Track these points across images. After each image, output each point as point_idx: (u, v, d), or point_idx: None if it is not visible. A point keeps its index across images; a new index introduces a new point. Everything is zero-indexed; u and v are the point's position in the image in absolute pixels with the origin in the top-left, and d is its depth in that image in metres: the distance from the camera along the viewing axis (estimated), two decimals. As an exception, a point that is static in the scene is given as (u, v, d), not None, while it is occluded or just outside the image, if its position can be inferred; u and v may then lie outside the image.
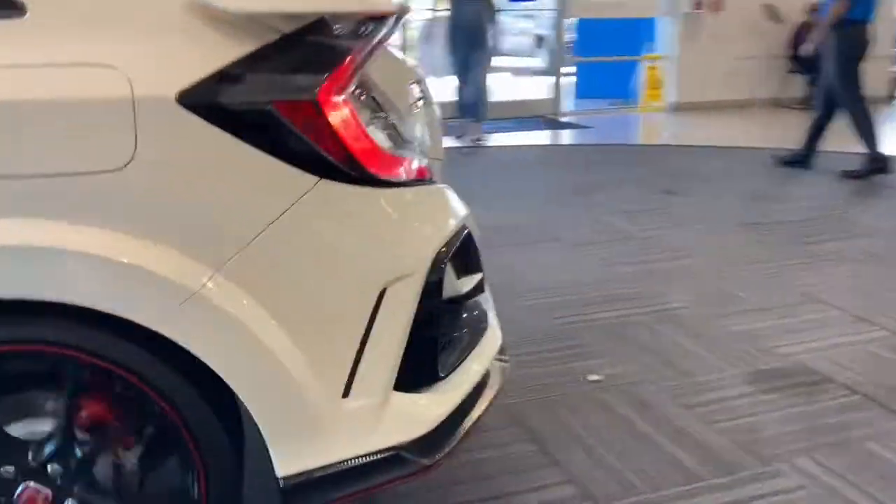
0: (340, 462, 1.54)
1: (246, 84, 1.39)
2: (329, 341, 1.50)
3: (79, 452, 1.47)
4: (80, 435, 1.47)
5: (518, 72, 12.17)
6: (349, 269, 1.50)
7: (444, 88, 7.34)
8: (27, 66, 1.31)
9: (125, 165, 1.32)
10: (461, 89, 7.29)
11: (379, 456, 1.56)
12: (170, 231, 1.37)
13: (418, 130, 1.78)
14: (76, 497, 1.48)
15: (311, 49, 1.46)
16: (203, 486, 1.50)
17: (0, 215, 1.32)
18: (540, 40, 12.83)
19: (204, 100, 1.36)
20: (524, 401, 2.55)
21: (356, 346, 1.50)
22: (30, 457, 1.45)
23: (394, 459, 1.57)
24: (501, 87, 8.00)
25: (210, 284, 1.38)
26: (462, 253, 1.73)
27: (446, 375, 1.66)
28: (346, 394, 1.51)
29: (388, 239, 1.55)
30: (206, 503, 1.51)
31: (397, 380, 1.57)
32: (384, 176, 1.53)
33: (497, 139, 7.56)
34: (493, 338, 1.86)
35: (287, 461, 1.50)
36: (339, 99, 1.45)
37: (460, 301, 1.76)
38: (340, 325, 1.50)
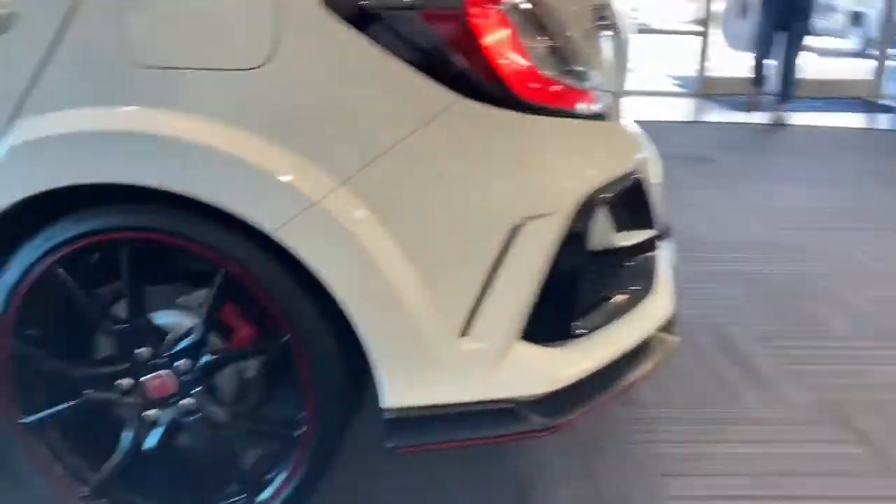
0: (449, 405, 1.44)
1: None
2: (450, 273, 1.40)
3: (206, 355, 1.51)
4: (212, 338, 1.51)
5: (824, 53, 10.70)
6: (480, 198, 1.38)
7: (741, 61, 6.75)
8: None
9: (262, 65, 1.31)
10: (765, 63, 6.70)
11: (491, 406, 1.44)
12: (298, 137, 1.34)
13: (593, 58, 1.58)
14: (195, 396, 1.52)
15: None
16: (311, 407, 1.49)
17: (140, 104, 1.36)
18: (857, 17, 11.42)
19: (349, 2, 1.30)
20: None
21: (479, 282, 1.39)
22: (164, 348, 1.51)
23: (507, 413, 1.44)
24: (810, 66, 7.21)
25: (332, 197, 1.34)
26: (627, 202, 1.53)
27: (585, 334, 1.48)
28: (463, 332, 1.41)
29: (529, 172, 1.40)
30: (312, 425, 1.50)
31: (526, 329, 1.42)
32: (536, 102, 1.38)
33: (803, 118, 6.85)
34: (658, 306, 1.64)
35: (393, 393, 1.43)
36: (493, 12, 1.33)
37: (616, 256, 1.55)
38: (464, 258, 1.39)
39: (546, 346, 1.45)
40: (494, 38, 1.33)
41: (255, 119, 1.34)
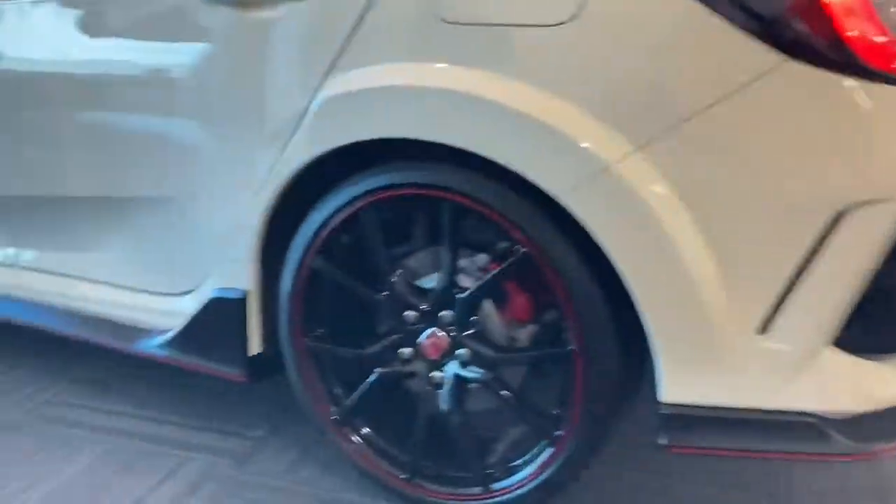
0: (736, 409, 1.27)
1: None
2: (754, 260, 1.23)
3: (475, 311, 1.49)
4: (483, 294, 1.48)
5: None
6: (800, 176, 1.18)
7: None
8: None
9: (567, 21, 1.23)
10: None
11: (786, 417, 1.25)
12: (596, 96, 1.25)
13: None
14: (467, 349, 1.51)
15: None
16: (579, 379, 1.39)
17: (447, 61, 1.34)
18: None
19: None
20: None
21: (787, 275, 1.21)
22: (438, 305, 1.51)
23: (805, 428, 1.24)
24: None
25: (626, 161, 1.22)
26: None
27: None
28: (762, 330, 1.24)
29: (864, 149, 1.18)
30: (577, 412, 1.41)
31: (840, 335, 1.23)
32: (883, 70, 1.15)
33: None
34: None
35: (674, 386, 1.29)
36: None
37: None
38: (773, 244, 1.21)
39: (862, 357, 1.24)
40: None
41: (554, 77, 1.26)
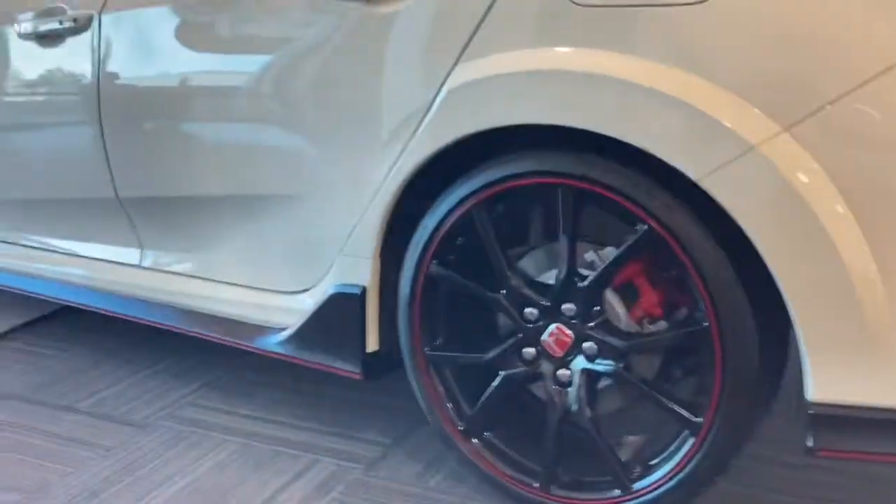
0: (893, 409, 1.20)
1: None
2: None
3: (601, 305, 1.45)
4: (609, 287, 1.44)
5: None
6: None
7: None
8: None
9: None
10: None
11: None
12: (738, 76, 1.21)
13: None
14: (593, 342, 1.46)
15: None
16: (718, 359, 1.32)
17: (579, 44, 1.32)
18: None
19: None
20: None
21: None
22: (560, 299, 1.48)
23: None
24: None
25: (773, 142, 1.17)
26: None
27: None
28: None
29: None
30: (713, 412, 1.34)
31: None
32: None
33: None
34: None
35: (823, 385, 1.23)
36: None
37: None
38: None
39: None
40: None
41: (693, 57, 1.23)
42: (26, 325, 2.47)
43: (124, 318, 2.12)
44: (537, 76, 1.35)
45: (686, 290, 1.35)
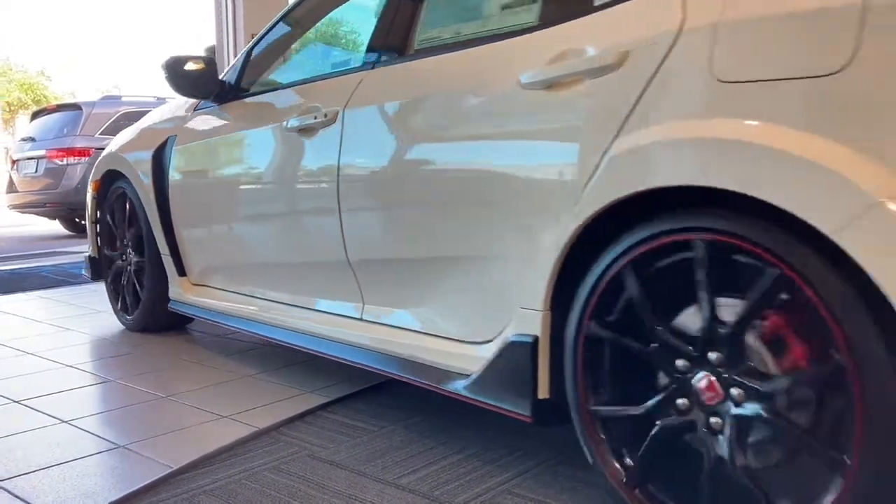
0: None
1: None
2: None
3: (744, 351, 1.55)
4: (751, 335, 1.54)
5: None
6: None
7: None
8: None
9: (840, 70, 1.36)
10: None
11: None
12: (866, 136, 1.33)
13: None
14: (738, 387, 1.55)
15: None
16: (857, 445, 1.37)
17: (723, 115, 1.51)
18: None
19: None
20: None
21: None
22: (706, 347, 1.60)
23: None
24: None
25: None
26: None
27: None
28: None
29: None
30: (860, 417, 1.36)
31: None
32: None
33: None
34: None
35: None
36: None
37: None
38: None
39: None
40: None
41: (825, 120, 1.38)
42: (340, 400, 2.68)
43: (346, 362, 2.52)
44: (686, 143, 1.56)
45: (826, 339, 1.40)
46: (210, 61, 3.10)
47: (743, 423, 1.55)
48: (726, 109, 1.51)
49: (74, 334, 3.89)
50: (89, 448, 2.32)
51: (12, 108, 40.80)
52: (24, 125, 15.49)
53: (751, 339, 1.54)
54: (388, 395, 2.74)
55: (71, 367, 3.24)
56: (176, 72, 3.06)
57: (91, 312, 4.43)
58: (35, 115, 10.39)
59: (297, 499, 1.97)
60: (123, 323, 3.98)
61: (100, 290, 4.70)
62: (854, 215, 1.31)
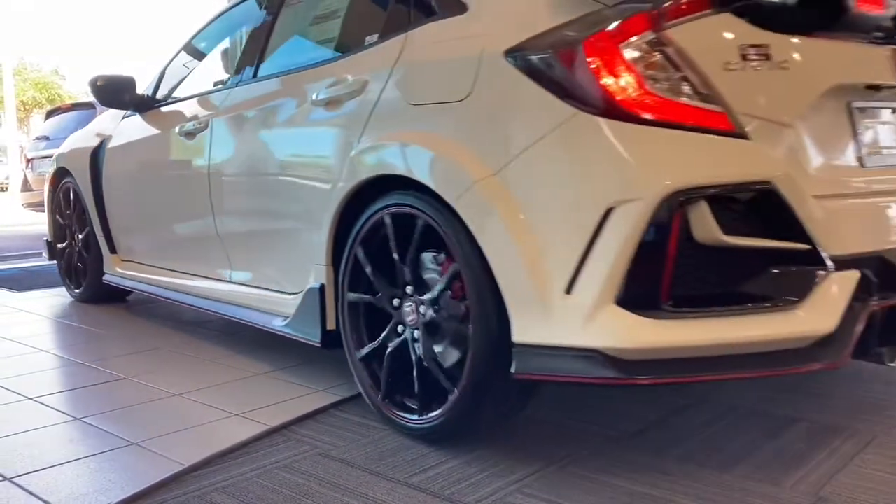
0: (553, 347, 1.90)
1: (548, 39, 1.95)
2: (561, 243, 1.89)
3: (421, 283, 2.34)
4: (425, 271, 2.33)
5: None
6: (585, 185, 1.86)
7: None
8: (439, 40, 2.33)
9: (464, 98, 2.12)
10: None
11: (580, 353, 1.86)
12: (474, 140, 2.08)
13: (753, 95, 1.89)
14: (423, 304, 2.29)
15: (612, 14, 1.89)
16: (473, 318, 2.10)
17: (404, 127, 2.31)
18: None
19: (516, 51, 2.00)
20: None
21: (580, 251, 1.84)
22: (410, 285, 2.35)
23: (592, 360, 1.84)
24: None
25: (487, 179, 2.02)
26: (754, 209, 1.85)
27: (672, 310, 1.81)
28: (568, 290, 1.88)
29: (623, 166, 1.81)
30: (475, 328, 2.10)
31: (621, 296, 1.82)
32: (641, 114, 1.81)
33: None
34: (797, 320, 1.83)
35: (518, 331, 1.98)
36: (608, 48, 1.84)
37: (728, 254, 1.82)
38: (570, 233, 1.87)
39: (637, 313, 1.80)
40: (606, 66, 1.84)
41: (457, 129, 2.14)
42: (352, 399, 2.71)
43: (222, 315, 3.28)
44: (391, 145, 2.33)
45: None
46: (129, 79, 3.95)
47: (429, 329, 2.27)
48: (410, 123, 2.30)
49: (88, 332, 3.92)
50: (102, 445, 2.34)
51: (27, 107, 41.12)
52: (39, 124, 15.55)
53: (425, 273, 2.31)
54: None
55: (84, 364, 3.26)
56: (99, 87, 3.90)
57: (105, 310, 4.46)
58: (49, 114, 10.44)
59: (309, 497, 1.98)
60: (72, 296, 4.77)
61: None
62: (463, 190, 2.07)
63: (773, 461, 2.14)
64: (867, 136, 2.09)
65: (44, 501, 1.96)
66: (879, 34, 2.12)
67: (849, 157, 2.06)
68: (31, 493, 2.01)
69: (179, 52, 4.02)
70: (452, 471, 2.14)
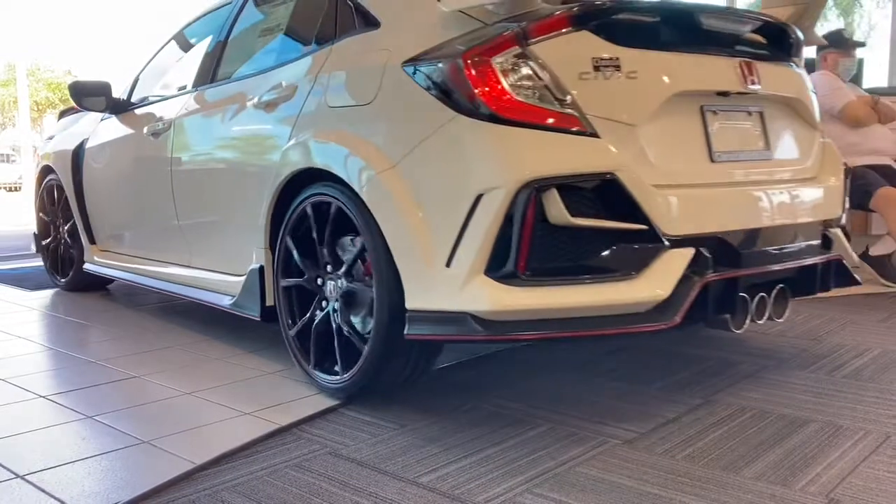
0: (437, 311, 2.28)
1: (436, 52, 2.33)
2: (442, 224, 2.26)
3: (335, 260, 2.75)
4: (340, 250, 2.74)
5: None
6: (461, 176, 2.24)
7: None
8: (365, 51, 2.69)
9: (371, 102, 2.53)
10: None
11: (455, 315, 2.23)
12: (378, 137, 2.47)
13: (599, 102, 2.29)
14: (339, 278, 2.68)
15: (487, 32, 2.28)
16: (376, 283, 2.49)
17: (329, 127, 2.69)
18: None
19: (411, 62, 2.40)
20: None
21: (457, 231, 2.23)
22: (330, 266, 2.75)
23: (466, 322, 2.21)
24: None
25: (387, 171, 2.41)
26: (597, 196, 2.21)
27: (534, 282, 2.18)
28: (448, 264, 2.25)
29: (489, 160, 2.21)
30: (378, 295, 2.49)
31: (487, 268, 2.20)
32: (506, 116, 2.19)
33: None
34: (633, 289, 2.20)
35: (410, 298, 2.35)
36: (481, 61, 2.22)
37: (574, 233, 2.19)
38: (449, 215, 2.24)
39: (500, 282, 2.19)
40: (479, 76, 2.23)
41: (365, 128, 2.53)
42: (361, 398, 2.67)
43: (185, 298, 3.71)
44: (313, 142, 2.73)
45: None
46: (105, 84, 4.31)
47: (346, 300, 2.65)
48: (329, 123, 2.68)
49: (100, 330, 3.95)
50: (114, 443, 2.35)
51: (40, 107, 41.31)
52: (52, 124, 15.60)
53: (345, 255, 2.68)
54: (407, 394, 2.75)
55: (95, 362, 3.29)
56: (76, 91, 4.29)
57: (117, 308, 4.49)
58: (62, 115, 10.47)
59: (319, 496, 1.99)
60: (57, 285, 5.12)
61: (124, 286, 4.88)
62: (367, 181, 2.46)
63: (783, 462, 2.14)
64: (717, 135, 2.50)
65: (56, 499, 1.98)
66: (727, 48, 2.58)
67: (699, 152, 2.46)
68: (43, 490, 2.03)
69: (151, 59, 4.45)
70: (462, 470, 2.14)
